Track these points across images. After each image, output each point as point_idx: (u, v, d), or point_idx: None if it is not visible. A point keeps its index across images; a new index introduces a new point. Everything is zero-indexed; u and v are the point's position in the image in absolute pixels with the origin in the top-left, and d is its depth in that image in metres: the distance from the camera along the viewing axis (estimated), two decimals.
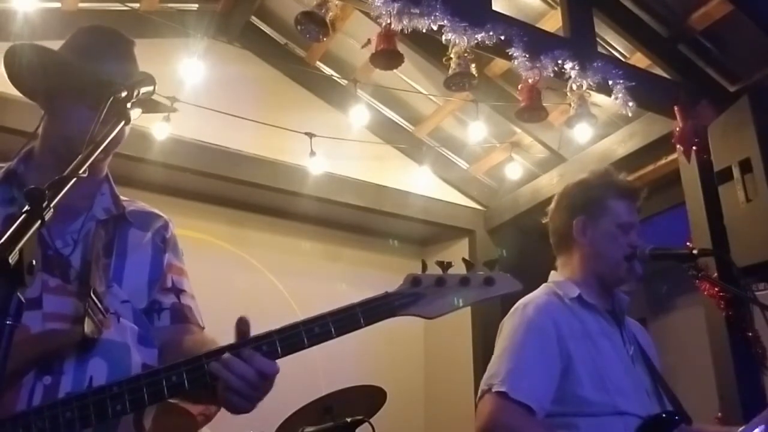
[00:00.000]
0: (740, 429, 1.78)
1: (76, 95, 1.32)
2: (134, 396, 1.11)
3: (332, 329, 1.17)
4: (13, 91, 1.45)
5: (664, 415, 1.80)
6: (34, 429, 1.07)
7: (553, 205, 2.12)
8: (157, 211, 1.52)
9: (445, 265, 1.26)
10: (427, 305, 1.23)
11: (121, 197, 1.47)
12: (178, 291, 1.43)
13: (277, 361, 1.17)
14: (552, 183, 4.52)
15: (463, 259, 1.29)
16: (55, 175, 1.29)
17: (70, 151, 1.29)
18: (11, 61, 1.39)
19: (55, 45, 1.45)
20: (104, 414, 1.09)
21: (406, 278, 1.25)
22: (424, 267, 1.27)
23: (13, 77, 1.41)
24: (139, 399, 1.11)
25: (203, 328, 1.46)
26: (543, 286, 2.01)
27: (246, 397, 1.14)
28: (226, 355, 1.13)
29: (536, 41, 3.20)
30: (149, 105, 1.44)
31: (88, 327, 1.19)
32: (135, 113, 1.35)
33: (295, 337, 1.16)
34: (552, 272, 2.07)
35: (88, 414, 1.08)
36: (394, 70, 3.71)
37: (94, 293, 1.24)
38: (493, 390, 1.72)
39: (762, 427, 1.72)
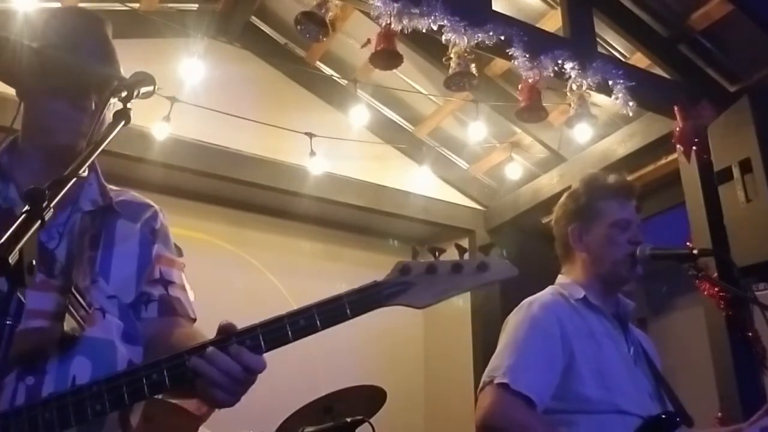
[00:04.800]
0: (745, 424, 1.79)
1: (50, 87, 1.29)
2: (114, 395, 1.07)
3: (318, 321, 1.12)
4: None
5: (664, 416, 1.81)
6: (12, 430, 1.04)
7: (553, 219, 2.15)
8: (147, 201, 1.47)
9: (437, 252, 1.18)
10: (417, 294, 1.15)
11: (111, 187, 1.42)
12: (166, 282, 1.38)
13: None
14: (552, 183, 4.52)
15: (456, 245, 1.21)
16: (40, 166, 1.30)
17: (51, 142, 1.30)
18: None
19: None
20: (83, 414, 1.06)
21: (395, 266, 1.18)
22: (415, 254, 1.19)
23: None
24: (119, 398, 1.07)
25: (194, 319, 1.41)
26: (550, 287, 2.02)
27: (229, 392, 1.09)
28: (210, 349, 1.08)
29: (536, 41, 3.20)
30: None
31: (68, 324, 1.15)
32: (112, 102, 1.30)
33: (279, 330, 1.11)
34: (559, 275, 2.08)
35: (67, 415, 1.05)
36: (394, 70, 3.71)
37: (77, 288, 1.20)
38: (495, 382, 1.74)
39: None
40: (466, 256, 1.19)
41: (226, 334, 1.11)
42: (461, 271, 1.17)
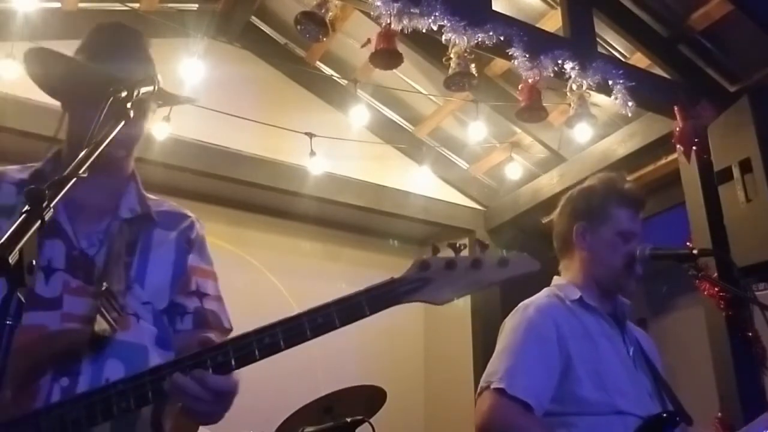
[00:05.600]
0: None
1: (90, 97, 1.32)
2: (138, 393, 1.09)
3: (336, 319, 1.12)
4: (29, 95, 1.46)
5: (664, 415, 1.80)
6: (43, 428, 1.07)
7: (557, 209, 2.13)
8: (184, 211, 1.52)
9: (457, 248, 1.16)
10: (435, 291, 1.13)
11: (150, 196, 1.47)
12: (201, 295, 1.42)
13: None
14: (552, 183, 4.52)
15: (477, 241, 1.20)
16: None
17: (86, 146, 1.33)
18: (28, 65, 1.42)
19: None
20: (110, 412, 1.08)
21: (414, 262, 1.15)
22: (435, 251, 1.17)
23: (34, 80, 1.44)
24: (143, 396, 1.09)
25: (230, 329, 1.44)
26: (545, 289, 2.01)
27: (205, 414, 1.12)
28: (176, 375, 1.09)
29: (536, 41, 3.20)
30: (167, 98, 1.49)
31: (99, 326, 1.18)
32: (152, 107, 1.41)
33: (298, 327, 1.11)
34: (555, 277, 2.08)
35: (94, 413, 1.08)
36: (394, 70, 3.71)
37: (112, 293, 1.24)
38: (492, 387, 1.74)
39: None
40: (487, 251, 1.17)
41: (236, 337, 1.12)
42: (481, 266, 1.15)
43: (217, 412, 1.14)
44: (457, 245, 1.17)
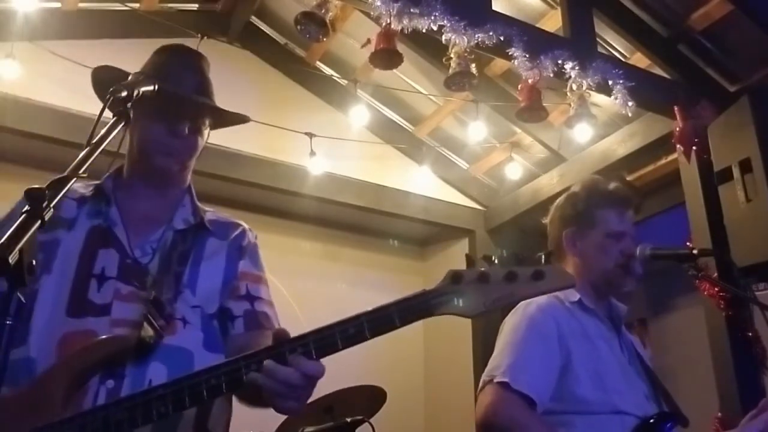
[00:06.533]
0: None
1: (152, 112, 1.38)
2: (176, 397, 1.11)
3: (366, 330, 1.13)
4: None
5: (661, 416, 1.81)
6: (88, 429, 1.10)
7: (548, 217, 2.15)
8: (237, 220, 1.56)
9: (491, 260, 1.15)
10: (467, 303, 1.12)
11: (206, 208, 1.53)
12: (252, 298, 1.45)
13: None
14: (552, 183, 4.52)
15: (513, 253, 1.18)
16: (138, 187, 1.45)
17: (148, 164, 1.43)
18: (95, 84, 1.48)
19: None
20: (149, 415, 1.11)
21: (447, 274, 1.14)
22: (470, 263, 1.15)
23: (100, 97, 1.48)
24: (181, 401, 1.11)
25: None
26: None
27: (292, 399, 1.13)
28: (268, 362, 1.10)
29: (536, 41, 3.20)
30: (220, 120, 1.57)
31: (144, 332, 1.24)
32: (207, 124, 1.50)
33: (330, 338, 1.12)
34: None
35: (135, 415, 1.11)
36: (394, 70, 3.71)
37: (158, 300, 1.29)
38: (495, 381, 1.74)
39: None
40: (522, 264, 1.16)
41: (279, 341, 1.13)
42: (515, 279, 1.13)
43: (304, 397, 1.15)
44: (492, 258, 1.16)
